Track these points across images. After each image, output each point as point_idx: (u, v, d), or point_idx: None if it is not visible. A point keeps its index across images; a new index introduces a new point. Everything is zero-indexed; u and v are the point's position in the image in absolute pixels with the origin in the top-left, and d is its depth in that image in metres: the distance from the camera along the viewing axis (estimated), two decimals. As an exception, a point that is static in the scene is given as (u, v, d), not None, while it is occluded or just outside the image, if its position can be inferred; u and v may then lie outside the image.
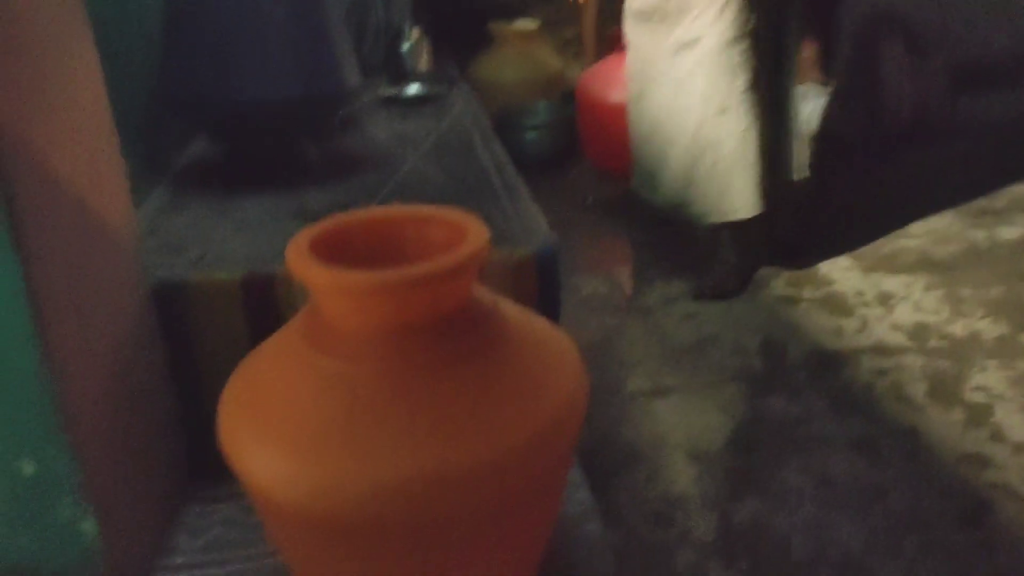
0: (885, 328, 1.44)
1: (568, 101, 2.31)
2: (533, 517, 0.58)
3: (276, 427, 0.52)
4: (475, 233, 0.56)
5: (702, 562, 0.93)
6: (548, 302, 0.83)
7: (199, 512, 0.77)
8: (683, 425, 1.19)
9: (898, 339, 1.40)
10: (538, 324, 0.62)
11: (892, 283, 1.59)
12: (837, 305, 1.52)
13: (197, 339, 0.79)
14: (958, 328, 1.42)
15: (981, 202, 1.88)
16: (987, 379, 1.27)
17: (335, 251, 0.56)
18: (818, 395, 1.25)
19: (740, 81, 1.54)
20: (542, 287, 0.83)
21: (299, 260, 0.53)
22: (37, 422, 0.57)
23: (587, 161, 2.21)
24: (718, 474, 1.09)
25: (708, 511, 1.01)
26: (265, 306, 0.78)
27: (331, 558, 0.55)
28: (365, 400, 0.51)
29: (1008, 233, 1.79)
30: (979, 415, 1.18)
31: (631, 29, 1.70)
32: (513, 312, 0.60)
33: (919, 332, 1.42)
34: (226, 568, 0.70)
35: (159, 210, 0.97)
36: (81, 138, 0.64)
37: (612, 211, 2.01)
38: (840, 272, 1.63)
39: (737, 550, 0.95)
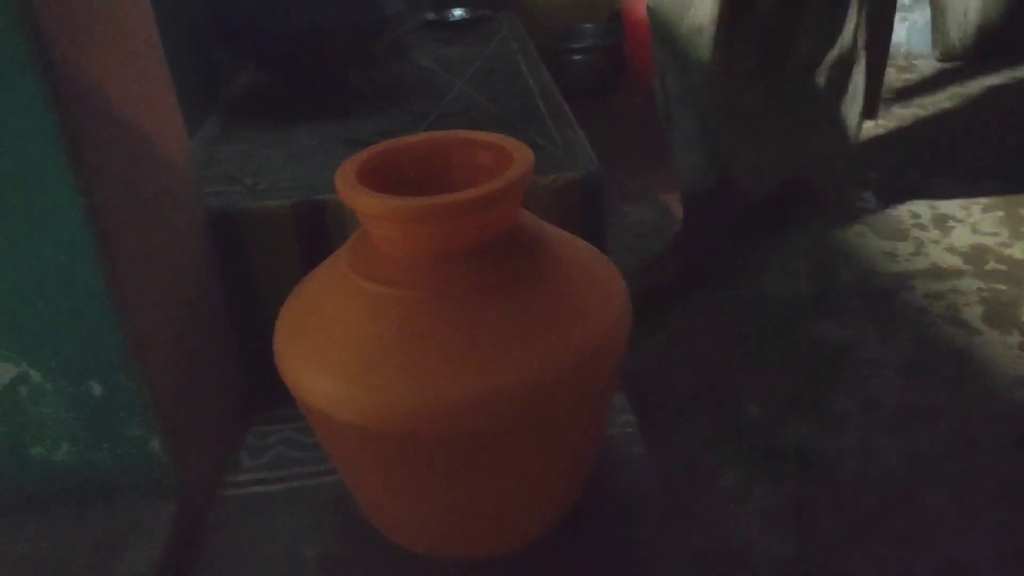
0: (940, 251, 1.40)
1: (617, 24, 2.25)
2: (577, 438, 0.60)
3: (329, 351, 0.54)
4: (520, 158, 0.56)
5: (747, 484, 0.94)
6: (594, 228, 0.83)
7: (260, 433, 0.80)
8: (730, 350, 1.19)
9: (954, 262, 1.37)
10: (583, 249, 0.62)
11: (949, 204, 1.55)
12: (891, 228, 1.49)
13: (252, 265, 0.81)
14: (1017, 251, 1.38)
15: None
16: (1046, 303, 1.24)
17: (382, 177, 0.57)
18: (869, 320, 1.24)
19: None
20: (587, 213, 0.83)
21: (347, 187, 0.54)
22: (104, 345, 0.60)
23: (636, 86, 2.16)
24: (765, 398, 1.09)
25: (754, 435, 1.02)
26: (316, 232, 0.80)
27: (384, 473, 0.57)
28: (413, 323, 0.53)
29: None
30: (1036, 339, 1.16)
31: None
32: (558, 237, 0.61)
33: (976, 255, 1.38)
34: (288, 484, 0.73)
35: (212, 140, 0.98)
36: (133, 68, 0.65)
37: (659, 138, 1.97)
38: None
39: (783, 472, 0.96)
